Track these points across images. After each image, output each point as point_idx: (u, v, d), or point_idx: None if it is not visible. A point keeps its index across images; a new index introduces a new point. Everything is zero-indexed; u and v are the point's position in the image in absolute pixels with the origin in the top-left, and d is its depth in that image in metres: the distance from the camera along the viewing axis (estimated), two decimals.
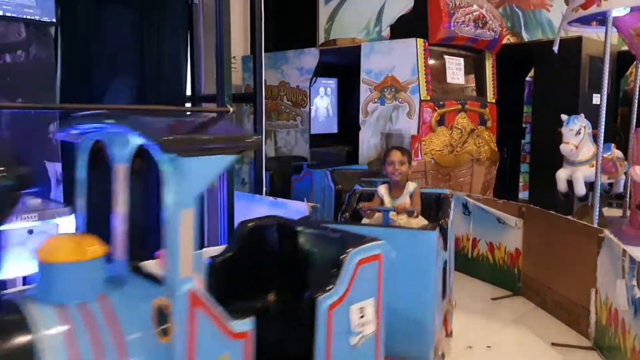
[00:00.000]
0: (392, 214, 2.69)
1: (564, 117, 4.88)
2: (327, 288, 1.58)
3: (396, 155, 2.83)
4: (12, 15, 2.91)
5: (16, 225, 2.49)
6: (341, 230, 1.92)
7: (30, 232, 2.52)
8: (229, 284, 1.84)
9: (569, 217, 3.56)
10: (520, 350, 3.00)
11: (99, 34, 3.77)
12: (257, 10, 3.53)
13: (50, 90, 3.19)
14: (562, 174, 4.98)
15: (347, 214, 2.88)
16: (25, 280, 2.67)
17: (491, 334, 3.16)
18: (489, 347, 2.98)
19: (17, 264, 2.51)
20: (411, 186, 2.84)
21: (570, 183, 4.95)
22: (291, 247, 2.00)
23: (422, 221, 2.74)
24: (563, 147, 4.82)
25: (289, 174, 5.44)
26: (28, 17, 2.96)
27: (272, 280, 2.01)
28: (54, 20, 3.09)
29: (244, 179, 6.03)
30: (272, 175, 5.44)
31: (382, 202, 2.84)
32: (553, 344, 3.01)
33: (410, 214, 2.70)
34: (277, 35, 6.61)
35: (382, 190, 2.88)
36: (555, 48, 4.84)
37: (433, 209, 2.90)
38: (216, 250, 2.19)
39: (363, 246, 1.71)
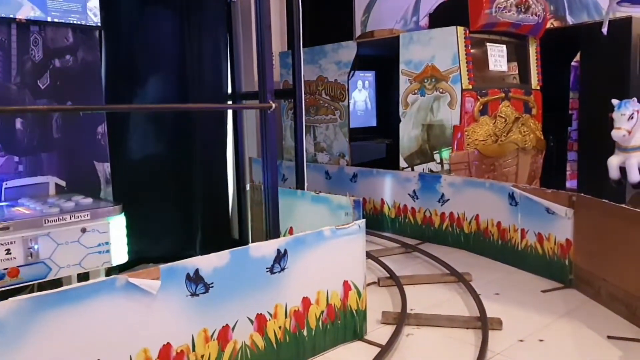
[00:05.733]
0: None
1: (615, 101, 4.67)
2: None
3: None
4: (60, 21, 3.00)
5: (70, 225, 2.57)
6: None
7: (84, 230, 2.60)
8: None
9: (622, 205, 3.41)
10: (574, 343, 2.90)
11: (141, 35, 3.85)
12: (294, 6, 3.52)
13: (97, 92, 3.28)
14: (614, 161, 4.77)
15: None
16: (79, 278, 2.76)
17: (543, 327, 3.07)
18: (541, 340, 2.89)
19: (72, 263, 2.60)
20: None
21: (622, 170, 4.75)
22: None
23: None
24: (615, 133, 4.61)
25: None
26: (74, 22, 3.05)
27: None
28: (99, 23, 3.16)
29: (284, 174, 6.06)
30: None
31: None
32: (609, 337, 2.90)
33: None
34: (313, 30, 6.60)
35: None
36: (604, 30, 4.65)
37: None
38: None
39: None
